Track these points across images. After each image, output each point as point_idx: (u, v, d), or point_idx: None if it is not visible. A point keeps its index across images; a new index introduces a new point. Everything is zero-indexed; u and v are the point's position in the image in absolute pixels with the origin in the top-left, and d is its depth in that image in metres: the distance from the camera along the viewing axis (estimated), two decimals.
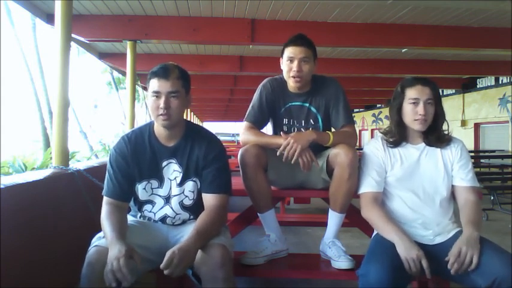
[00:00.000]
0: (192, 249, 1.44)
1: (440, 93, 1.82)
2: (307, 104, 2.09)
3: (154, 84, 1.61)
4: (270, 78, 2.15)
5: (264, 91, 2.10)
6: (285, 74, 2.06)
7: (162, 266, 1.37)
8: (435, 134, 1.76)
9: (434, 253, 1.61)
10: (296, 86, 2.04)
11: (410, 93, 1.73)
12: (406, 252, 1.51)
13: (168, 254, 1.38)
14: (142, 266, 1.52)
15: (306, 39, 2.04)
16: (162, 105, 1.58)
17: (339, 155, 1.88)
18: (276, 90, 2.11)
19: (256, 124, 2.06)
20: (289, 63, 2.00)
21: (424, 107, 1.70)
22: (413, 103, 1.72)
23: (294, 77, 2.00)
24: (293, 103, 2.10)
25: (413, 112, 1.72)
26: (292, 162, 1.83)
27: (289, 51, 2.01)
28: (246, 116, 2.09)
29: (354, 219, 2.19)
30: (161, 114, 1.59)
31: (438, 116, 1.75)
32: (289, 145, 1.82)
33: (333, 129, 2.10)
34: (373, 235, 1.79)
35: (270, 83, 2.12)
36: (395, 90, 1.80)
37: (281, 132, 1.98)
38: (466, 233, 1.56)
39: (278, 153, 1.85)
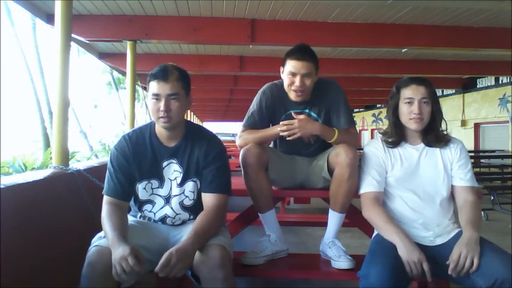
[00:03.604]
0: (190, 251, 1.43)
1: (438, 93, 1.83)
2: (307, 110, 2.08)
3: (153, 86, 1.60)
4: (270, 84, 2.13)
5: (263, 98, 2.08)
6: (285, 87, 2.03)
7: (157, 268, 1.37)
8: (433, 134, 1.77)
9: (434, 254, 1.61)
10: (298, 100, 2.03)
11: (405, 92, 1.74)
12: (407, 254, 1.51)
13: (165, 255, 1.38)
14: (143, 267, 1.52)
15: (308, 51, 1.99)
16: (162, 107, 1.58)
17: (339, 154, 1.89)
18: (276, 96, 2.09)
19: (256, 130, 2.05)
20: (291, 77, 1.97)
21: (419, 106, 1.70)
22: (408, 102, 1.72)
23: (295, 91, 1.99)
24: (293, 110, 2.08)
25: (408, 111, 1.72)
26: (286, 138, 1.94)
27: (291, 65, 1.96)
28: (244, 121, 2.08)
29: (354, 219, 2.19)
30: (162, 117, 1.59)
31: (435, 115, 1.75)
32: (292, 126, 1.90)
33: None
34: (373, 235, 1.79)
35: (269, 90, 2.10)
36: (392, 91, 1.81)
37: (292, 112, 2.03)
38: (466, 235, 1.56)
39: (279, 129, 1.93)
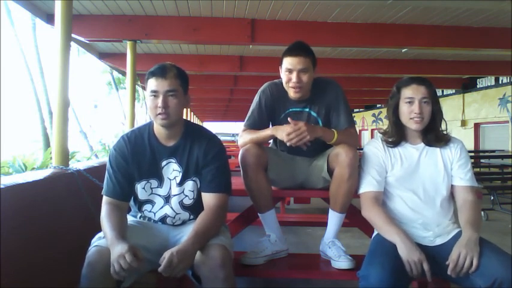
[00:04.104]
0: (190, 251, 1.44)
1: (438, 93, 1.83)
2: (307, 109, 2.09)
3: (152, 83, 1.61)
4: (270, 83, 2.14)
5: (263, 97, 2.09)
6: (284, 84, 2.03)
7: (160, 268, 1.37)
8: (433, 133, 1.77)
9: (434, 254, 1.61)
10: (296, 97, 2.03)
11: (406, 92, 1.74)
12: (407, 254, 1.51)
13: (166, 256, 1.38)
14: (143, 266, 1.52)
15: (304, 47, 2.00)
16: (160, 104, 1.59)
17: (339, 154, 1.89)
18: (276, 95, 2.09)
19: (255, 130, 2.06)
20: (288, 74, 1.98)
21: (420, 106, 1.71)
22: (409, 102, 1.72)
23: (293, 87, 1.99)
24: (293, 109, 2.09)
25: (409, 111, 1.73)
26: (294, 145, 1.87)
27: (287, 62, 1.98)
28: (245, 121, 2.09)
29: (354, 219, 2.19)
30: (159, 114, 1.60)
31: (435, 115, 1.75)
32: (300, 130, 1.83)
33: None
34: (373, 235, 1.79)
35: (269, 89, 2.11)
36: (392, 90, 1.81)
37: (288, 118, 1.97)
38: (465, 235, 1.55)
39: (285, 135, 1.86)
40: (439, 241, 1.69)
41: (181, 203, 1.71)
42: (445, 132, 1.80)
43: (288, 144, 1.87)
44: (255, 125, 2.06)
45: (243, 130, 2.07)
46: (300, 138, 1.84)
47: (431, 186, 1.75)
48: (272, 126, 2.15)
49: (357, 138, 2.12)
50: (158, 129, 1.70)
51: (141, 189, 1.70)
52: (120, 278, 1.36)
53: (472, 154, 8.78)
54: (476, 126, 10.92)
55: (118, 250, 1.36)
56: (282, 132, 1.88)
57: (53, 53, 2.64)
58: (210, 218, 1.59)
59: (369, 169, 1.81)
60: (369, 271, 1.48)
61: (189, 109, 14.61)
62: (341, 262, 1.89)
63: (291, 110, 2.09)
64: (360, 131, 18.57)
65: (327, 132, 1.95)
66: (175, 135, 1.70)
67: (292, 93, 2.03)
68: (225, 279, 1.44)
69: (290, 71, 1.97)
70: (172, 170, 1.70)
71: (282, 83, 2.09)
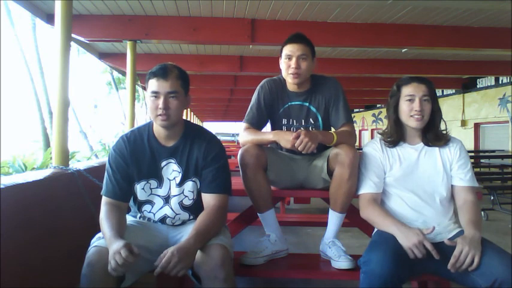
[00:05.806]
0: (191, 250, 1.43)
1: (438, 93, 1.84)
2: (306, 103, 2.10)
3: (153, 84, 1.61)
4: (268, 79, 2.16)
5: (261, 92, 2.11)
6: (283, 72, 2.06)
7: (159, 266, 1.36)
8: (432, 133, 1.77)
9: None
10: (294, 82, 2.04)
11: (406, 90, 1.75)
12: (407, 239, 1.51)
13: (167, 255, 1.38)
14: (143, 267, 1.52)
15: (303, 37, 2.05)
16: (160, 105, 1.58)
17: (339, 154, 1.89)
18: (274, 91, 2.11)
19: (255, 125, 2.08)
20: (288, 61, 2.02)
21: (420, 103, 1.71)
22: (409, 100, 1.73)
23: (292, 73, 2.01)
24: (292, 103, 2.11)
25: (409, 109, 1.74)
26: (304, 152, 1.84)
27: (287, 49, 2.03)
28: (245, 117, 2.10)
29: (354, 219, 2.18)
30: (160, 115, 1.59)
31: (435, 114, 1.76)
32: (303, 143, 1.81)
33: (332, 129, 2.11)
34: (374, 231, 1.80)
35: (267, 84, 2.13)
36: (392, 89, 1.82)
37: (285, 128, 1.96)
38: (468, 233, 1.56)
39: (290, 146, 1.84)
40: (439, 238, 1.69)
41: (180, 204, 1.71)
42: (444, 132, 1.80)
43: (298, 149, 1.84)
44: (253, 119, 2.08)
45: (244, 127, 2.08)
46: (306, 148, 1.83)
47: (430, 186, 1.75)
48: (271, 121, 2.16)
49: (355, 136, 2.12)
50: (158, 130, 1.69)
51: (140, 190, 1.70)
52: (119, 273, 1.36)
53: (472, 154, 8.78)
54: (476, 126, 10.92)
55: (114, 248, 1.36)
56: (286, 142, 1.87)
57: (53, 53, 2.64)
58: (210, 218, 1.59)
59: (367, 171, 1.81)
60: (370, 256, 1.49)
61: (189, 109, 14.61)
62: (341, 262, 1.89)
63: (290, 104, 2.10)
64: (360, 131, 18.57)
65: (326, 135, 1.95)
66: (175, 136, 1.70)
67: (290, 80, 2.05)
68: (225, 279, 1.44)
69: (289, 57, 2.01)
70: (171, 170, 1.70)
71: (280, 79, 2.12)
